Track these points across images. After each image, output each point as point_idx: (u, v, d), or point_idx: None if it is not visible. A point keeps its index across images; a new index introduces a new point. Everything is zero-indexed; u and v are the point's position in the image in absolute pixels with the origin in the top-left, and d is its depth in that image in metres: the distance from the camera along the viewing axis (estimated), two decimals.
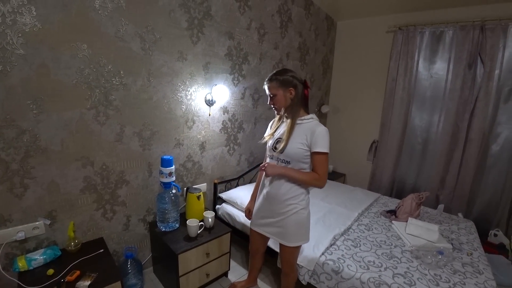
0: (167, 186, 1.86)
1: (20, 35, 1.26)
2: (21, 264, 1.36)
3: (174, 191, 1.89)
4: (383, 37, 3.22)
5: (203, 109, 2.16)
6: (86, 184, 1.63)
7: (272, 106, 1.47)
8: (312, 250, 1.77)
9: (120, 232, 1.86)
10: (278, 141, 1.45)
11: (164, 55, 1.83)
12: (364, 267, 1.66)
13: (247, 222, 2.12)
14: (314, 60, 3.37)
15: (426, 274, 1.63)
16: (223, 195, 2.36)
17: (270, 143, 1.51)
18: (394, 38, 3.06)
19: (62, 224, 1.57)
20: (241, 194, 2.28)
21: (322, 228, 2.05)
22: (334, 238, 1.93)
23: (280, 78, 1.40)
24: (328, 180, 3.21)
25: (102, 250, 1.61)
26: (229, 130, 2.44)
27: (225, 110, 2.34)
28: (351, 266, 1.66)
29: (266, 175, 1.47)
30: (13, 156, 1.34)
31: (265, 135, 1.61)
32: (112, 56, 1.59)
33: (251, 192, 1.79)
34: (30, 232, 1.45)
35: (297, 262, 1.76)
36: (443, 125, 2.86)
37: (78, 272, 1.39)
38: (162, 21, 1.77)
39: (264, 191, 1.55)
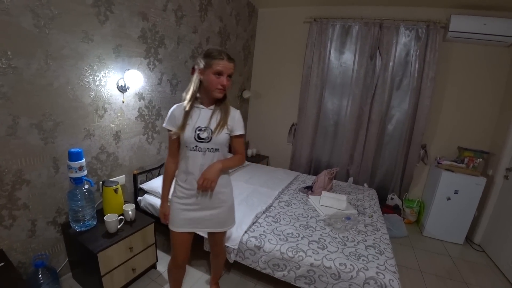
0: (78, 181, 1.77)
1: None
2: None
3: (86, 186, 1.81)
4: (300, 27, 3.54)
5: (116, 96, 2.07)
6: None
7: (221, 87, 1.35)
8: (235, 230, 1.94)
9: (24, 240, 1.70)
10: (200, 129, 1.38)
11: (65, 35, 1.68)
12: (284, 239, 1.92)
13: None
14: (235, 46, 3.49)
15: (336, 238, 1.97)
16: (144, 186, 2.35)
17: (189, 134, 1.37)
18: (310, 28, 3.40)
19: None
20: None
21: (245, 208, 2.26)
22: (256, 216, 2.16)
23: (235, 61, 1.40)
24: (251, 163, 3.48)
25: (2, 264, 1.46)
26: (146, 117, 2.39)
27: (140, 96, 2.29)
28: (271, 240, 1.90)
29: (212, 186, 1.39)
30: None
31: (167, 126, 1.43)
32: None
33: (163, 196, 1.57)
34: None
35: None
36: (350, 108, 3.37)
37: None
38: None
39: (196, 189, 1.44)
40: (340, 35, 3.29)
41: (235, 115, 1.45)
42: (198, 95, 1.41)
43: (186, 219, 1.48)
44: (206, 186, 1.36)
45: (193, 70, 1.42)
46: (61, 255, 1.92)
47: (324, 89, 3.47)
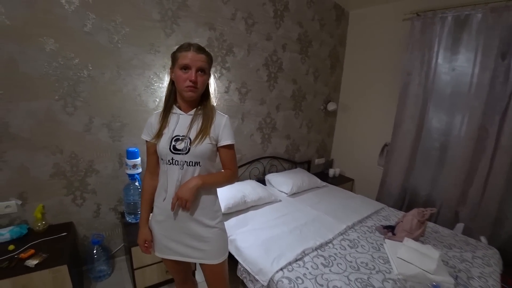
0: (132, 178, 2.01)
1: None
2: None
3: (137, 183, 2.03)
4: (399, 26, 2.95)
5: None
6: (56, 170, 1.86)
7: (191, 84, 1.14)
8: (270, 263, 1.67)
9: (90, 219, 2.07)
10: (177, 139, 1.19)
11: (134, 48, 1.98)
12: None
13: None
14: (319, 53, 3.26)
15: None
16: None
17: (164, 144, 1.19)
18: (411, 26, 2.79)
19: (32, 206, 1.81)
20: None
21: (295, 238, 1.94)
22: (304, 252, 1.78)
23: (210, 54, 1.22)
24: (329, 185, 3.06)
25: (65, 234, 1.82)
26: None
27: None
28: None
29: (187, 205, 1.15)
30: None
31: (143, 136, 1.28)
32: (79, 49, 1.79)
33: (142, 219, 1.35)
34: (2, 210, 1.73)
35: (253, 274, 1.69)
36: (466, 128, 2.54)
37: (32, 251, 1.60)
38: (131, 13, 1.92)
39: (176, 212, 1.23)
40: (452, 30, 2.55)
41: (221, 121, 1.25)
42: (177, 100, 1.25)
43: (168, 246, 1.28)
44: (180, 207, 1.17)
45: None
46: (118, 238, 2.23)
47: (429, 101, 2.75)
